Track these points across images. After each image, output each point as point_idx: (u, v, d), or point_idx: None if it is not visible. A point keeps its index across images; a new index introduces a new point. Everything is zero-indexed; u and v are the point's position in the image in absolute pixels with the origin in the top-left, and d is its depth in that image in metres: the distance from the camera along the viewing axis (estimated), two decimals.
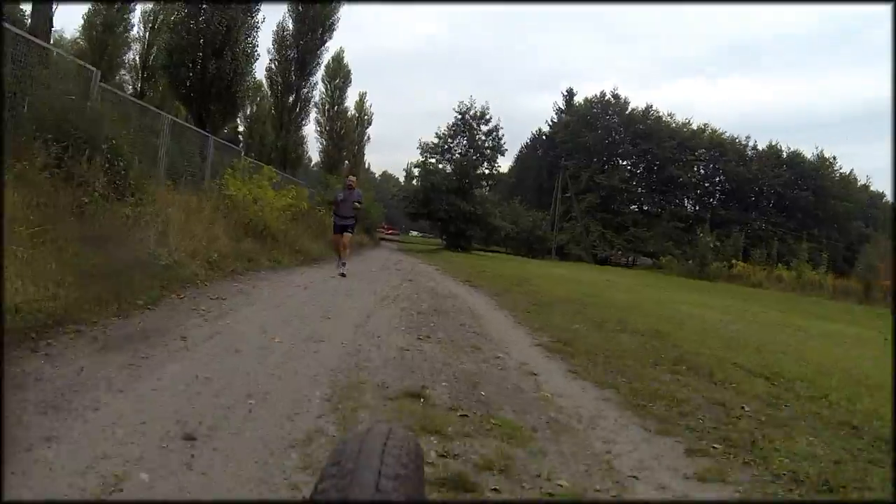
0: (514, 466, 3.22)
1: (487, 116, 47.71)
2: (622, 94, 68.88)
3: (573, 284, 18.15)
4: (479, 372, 5.38)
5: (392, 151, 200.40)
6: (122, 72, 41.89)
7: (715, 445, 3.99)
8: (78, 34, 42.94)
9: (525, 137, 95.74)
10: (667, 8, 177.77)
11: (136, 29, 43.11)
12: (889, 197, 74.18)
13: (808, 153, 68.10)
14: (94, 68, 10.89)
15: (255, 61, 26.33)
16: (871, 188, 74.29)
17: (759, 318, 14.86)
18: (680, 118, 69.15)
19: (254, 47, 24.60)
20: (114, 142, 8.37)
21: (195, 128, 16.92)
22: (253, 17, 23.66)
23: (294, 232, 16.70)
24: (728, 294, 26.18)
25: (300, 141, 42.85)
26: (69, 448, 2.71)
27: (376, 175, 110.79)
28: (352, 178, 15.08)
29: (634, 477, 3.29)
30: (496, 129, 47.77)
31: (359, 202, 14.31)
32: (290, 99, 39.05)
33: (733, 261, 47.22)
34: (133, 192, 8.65)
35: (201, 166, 15.74)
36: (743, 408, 5.01)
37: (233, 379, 4.14)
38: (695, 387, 5.60)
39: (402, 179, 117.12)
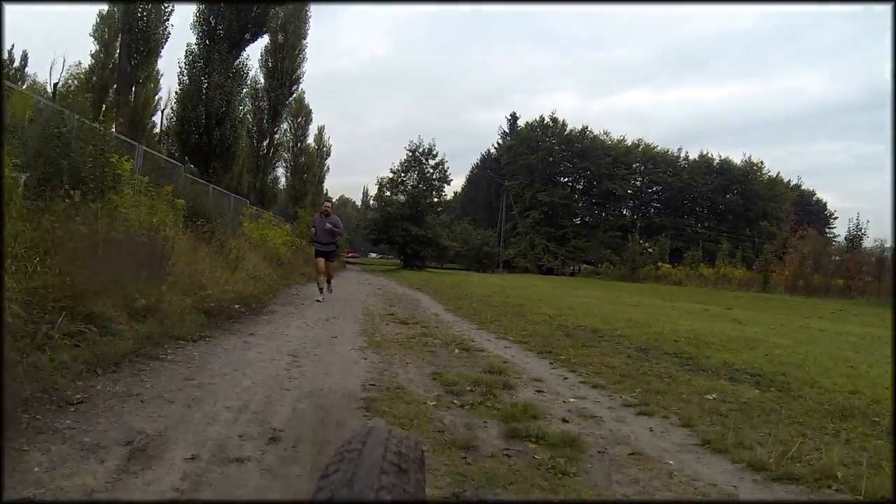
0: (416, 319, 11.65)
1: (434, 152, 56.41)
2: (560, 117, 77.01)
3: (494, 288, 25.84)
4: (414, 314, 13.60)
5: (346, 174, 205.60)
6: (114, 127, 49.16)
7: (495, 328, 11.92)
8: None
9: (477, 152, 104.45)
10: (613, 15, 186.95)
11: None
12: (820, 195, 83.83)
13: (738, 159, 77.24)
14: (180, 164, 18.63)
15: (245, 126, 34.10)
16: (803, 187, 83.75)
17: (619, 300, 22.45)
18: (615, 135, 77.69)
19: (245, 115, 32.15)
20: (221, 215, 16.44)
21: (221, 189, 24.36)
22: (243, 90, 30.90)
23: (295, 260, 24.56)
24: (634, 291, 33.40)
25: (275, 181, 50.55)
26: (305, 318, 10.89)
27: (334, 200, 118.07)
28: (327, 203, 16.21)
29: (457, 331, 11.33)
30: (442, 162, 56.58)
31: (337, 228, 15.26)
32: (265, 144, 46.73)
33: (659, 263, 54.71)
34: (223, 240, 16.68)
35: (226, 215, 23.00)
36: (521, 319, 13.04)
37: (332, 310, 12.52)
38: (510, 318, 13.42)
39: (358, 203, 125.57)
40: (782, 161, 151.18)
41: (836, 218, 79.81)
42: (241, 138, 32.18)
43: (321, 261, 15.02)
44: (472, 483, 3.50)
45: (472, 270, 61.66)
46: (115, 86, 27.52)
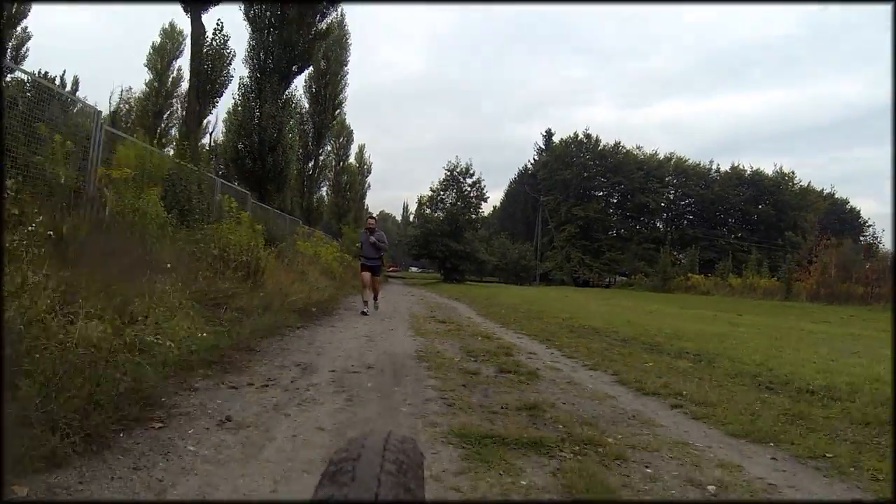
0: (452, 320, 14.95)
1: (471, 171, 60.33)
2: (596, 130, 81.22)
3: (525, 298, 28.88)
4: (451, 317, 16.89)
5: (386, 188, 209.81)
6: (168, 148, 53.68)
7: (515, 326, 15.16)
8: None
9: (515, 165, 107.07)
10: (648, 26, 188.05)
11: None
12: (861, 201, 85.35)
13: (777, 167, 79.20)
14: (248, 192, 21.98)
15: (295, 151, 37.55)
16: (836, 195, 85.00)
17: (638, 308, 25.02)
18: (648, 149, 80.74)
19: (295, 140, 35.51)
20: (284, 237, 19.97)
21: (280, 211, 27.98)
22: (293, 118, 34.32)
23: (346, 274, 27.92)
24: (659, 300, 36.01)
25: (321, 200, 54.40)
26: (366, 318, 14.28)
27: (375, 215, 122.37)
28: (371, 220, 16.95)
29: (483, 328, 14.60)
30: (479, 181, 60.46)
31: (382, 243, 15.98)
32: (310, 165, 50.44)
33: (689, 274, 57.36)
34: (291, 258, 20.16)
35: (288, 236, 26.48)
36: (539, 321, 16.25)
37: (385, 314, 15.85)
38: (529, 320, 16.59)
39: (398, 218, 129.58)
40: (822, 168, 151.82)
41: (870, 226, 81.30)
42: (292, 163, 35.52)
43: (366, 275, 15.84)
44: (472, 382, 6.85)
45: (510, 283, 64.53)
46: (185, 124, 30.77)
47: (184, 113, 53.93)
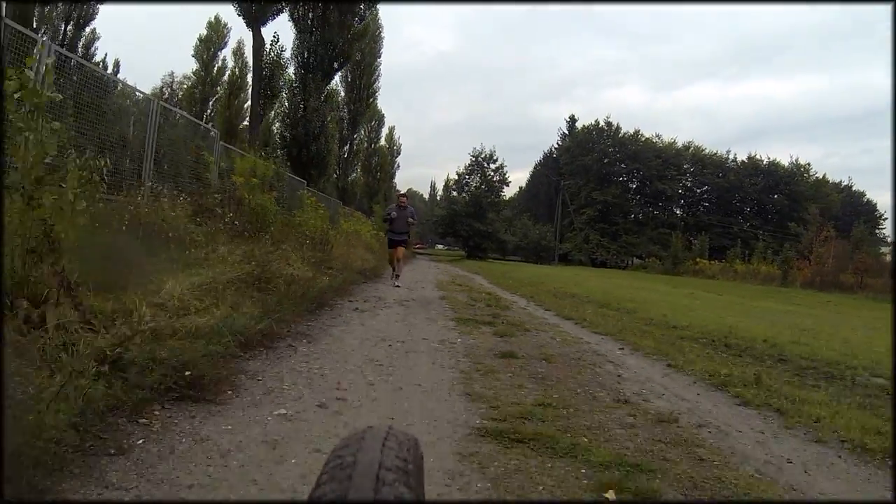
0: (467, 285, 21.11)
1: (495, 157, 66.96)
2: (623, 114, 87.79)
3: (534, 274, 34.85)
4: (467, 283, 22.92)
5: (413, 166, 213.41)
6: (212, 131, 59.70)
7: (512, 290, 21.14)
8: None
9: (542, 146, 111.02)
10: (679, 8, 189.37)
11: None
12: (870, 195, 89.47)
13: (809, 156, 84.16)
14: (303, 181, 27.90)
15: (335, 138, 43.46)
16: (854, 188, 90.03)
17: (633, 286, 30.30)
18: (667, 138, 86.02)
19: (334, 129, 41.37)
20: (338, 218, 26.10)
21: (327, 195, 33.83)
22: (333, 112, 40.12)
23: (382, 248, 33.75)
24: (660, 281, 41.42)
25: (356, 182, 60.56)
26: (404, 281, 20.33)
27: (405, 193, 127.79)
28: (403, 198, 18.26)
29: (489, 290, 20.63)
30: (502, 166, 67.15)
31: (412, 219, 17.41)
32: (346, 148, 56.48)
33: (698, 259, 62.83)
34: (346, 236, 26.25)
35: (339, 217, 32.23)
36: (533, 287, 22.24)
37: (417, 281, 22.03)
38: (525, 287, 22.45)
39: (426, 196, 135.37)
40: (853, 158, 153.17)
41: (885, 219, 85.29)
42: (333, 150, 41.32)
43: (395, 251, 17.87)
44: (469, 308, 13.09)
45: (530, 262, 69.91)
46: (250, 123, 36.96)
47: (227, 98, 60.46)
